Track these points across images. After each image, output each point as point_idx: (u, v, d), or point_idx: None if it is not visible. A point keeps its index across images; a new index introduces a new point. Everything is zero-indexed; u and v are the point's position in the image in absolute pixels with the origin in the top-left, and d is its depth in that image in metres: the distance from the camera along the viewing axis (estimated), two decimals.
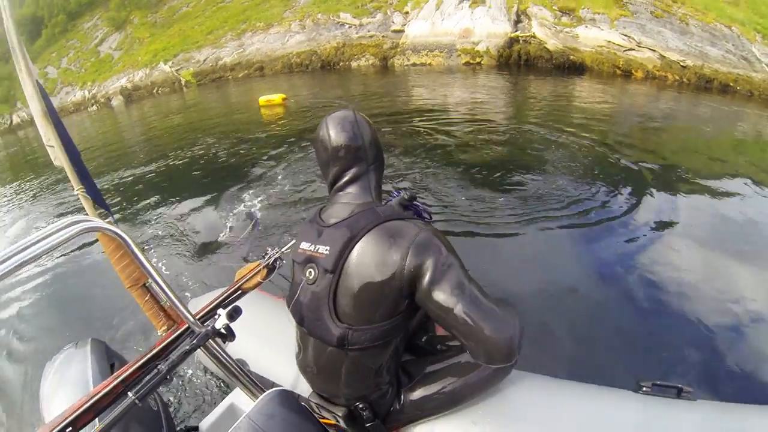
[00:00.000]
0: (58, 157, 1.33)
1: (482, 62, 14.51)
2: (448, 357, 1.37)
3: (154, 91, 25.93)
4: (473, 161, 5.34)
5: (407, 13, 17.88)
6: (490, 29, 15.22)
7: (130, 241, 1.18)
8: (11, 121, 36.82)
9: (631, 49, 14.64)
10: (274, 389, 1.26)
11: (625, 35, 14.85)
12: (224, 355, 1.40)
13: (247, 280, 1.60)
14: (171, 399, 2.26)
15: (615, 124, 7.05)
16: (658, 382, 1.52)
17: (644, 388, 1.52)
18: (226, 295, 1.52)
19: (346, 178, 1.30)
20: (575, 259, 3.40)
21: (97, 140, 14.63)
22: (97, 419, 1.00)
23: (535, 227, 3.73)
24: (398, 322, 1.20)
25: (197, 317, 1.31)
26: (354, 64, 17.32)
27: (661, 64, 14.11)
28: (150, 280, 1.30)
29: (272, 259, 1.64)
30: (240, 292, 1.57)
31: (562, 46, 14.74)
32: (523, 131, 6.63)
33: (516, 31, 15.29)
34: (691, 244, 3.51)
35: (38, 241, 0.91)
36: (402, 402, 1.35)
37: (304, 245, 1.26)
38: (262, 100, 11.58)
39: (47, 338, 3.23)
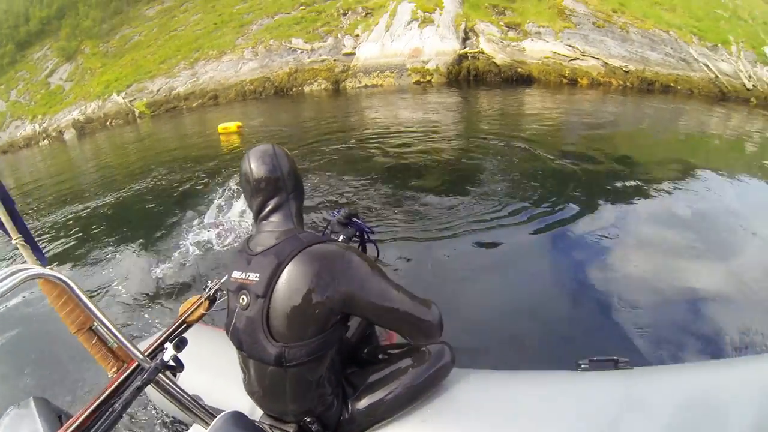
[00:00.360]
0: None
1: (432, 80, 14.70)
2: (391, 364, 1.49)
3: (108, 123, 25.34)
4: (422, 176, 5.49)
5: (358, 36, 18.05)
6: (439, 47, 15.46)
7: (73, 285, 1.19)
8: None
9: (576, 59, 15.08)
10: (226, 412, 1.31)
11: (570, 46, 15.30)
12: (177, 389, 1.41)
13: (191, 313, 1.64)
14: None
15: (563, 130, 7.26)
16: (595, 358, 1.60)
17: (582, 366, 1.60)
18: (171, 329, 1.56)
19: (268, 208, 1.36)
20: (509, 259, 3.56)
21: (49, 176, 14.19)
22: None
23: (478, 233, 3.88)
24: (330, 336, 1.27)
25: (146, 354, 1.34)
26: (307, 88, 17.33)
27: (605, 70, 14.60)
28: (96, 323, 1.30)
29: (212, 290, 1.70)
30: (185, 325, 1.61)
31: (510, 60, 15.09)
32: (472, 144, 6.78)
33: (464, 48, 15.60)
34: (623, 236, 3.75)
35: None
36: (350, 412, 1.42)
37: (236, 274, 1.31)
38: (221, 127, 11.68)
39: None
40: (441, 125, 8.26)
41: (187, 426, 2.02)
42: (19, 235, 1.40)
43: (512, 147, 6.31)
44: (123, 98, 25.52)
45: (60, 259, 5.57)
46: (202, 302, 1.70)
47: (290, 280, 1.20)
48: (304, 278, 1.20)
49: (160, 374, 1.33)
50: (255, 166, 1.35)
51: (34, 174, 16.65)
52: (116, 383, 1.25)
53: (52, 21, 37.53)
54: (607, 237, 3.71)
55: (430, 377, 1.45)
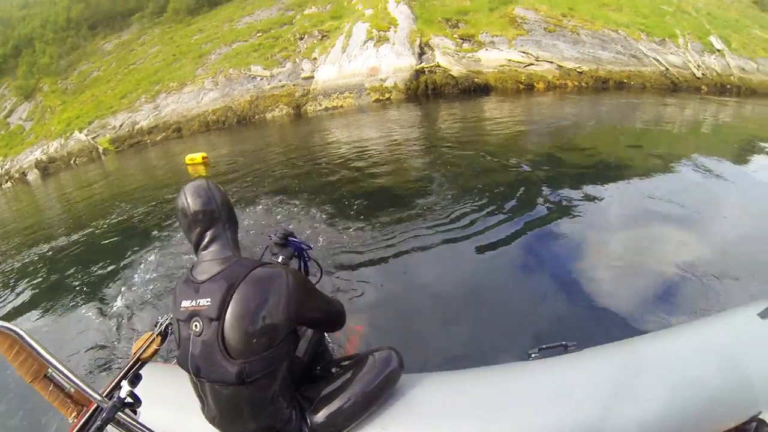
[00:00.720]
0: None
1: (391, 97, 14.86)
2: (342, 375, 1.59)
3: (72, 161, 24.93)
4: (377, 192, 5.60)
5: (315, 59, 18.18)
6: (395, 64, 15.64)
7: (24, 335, 1.23)
8: None
9: (530, 64, 15.42)
10: None
11: (524, 52, 15.65)
12: (138, 426, 1.43)
13: (144, 350, 1.64)
14: None
15: (523, 135, 7.36)
16: (544, 346, 1.67)
17: (533, 355, 1.68)
18: (127, 368, 1.55)
19: (207, 239, 1.43)
20: (455, 264, 3.65)
21: (13, 220, 14.00)
22: None
23: (427, 242, 3.95)
24: (283, 348, 1.35)
25: (103, 395, 1.35)
26: (269, 115, 17.34)
27: (559, 73, 14.95)
28: (51, 369, 1.32)
29: (163, 326, 1.71)
30: (139, 363, 1.60)
31: (466, 71, 15.37)
32: (430, 157, 6.86)
33: (421, 62, 15.85)
34: (574, 229, 3.87)
35: None
36: (310, 425, 1.48)
37: (185, 303, 1.34)
38: (188, 158, 11.88)
39: None
40: (400, 141, 8.39)
41: None
42: None
43: (470, 156, 6.38)
44: (85, 135, 25.15)
45: (17, 307, 5.54)
46: (154, 338, 1.71)
47: (241, 301, 1.27)
48: (254, 298, 1.28)
49: (120, 413, 1.35)
50: (191, 200, 1.42)
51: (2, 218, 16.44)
52: (77, 427, 1.26)
53: (8, 59, 36.84)
54: (557, 232, 3.84)
55: (381, 382, 1.54)
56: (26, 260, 7.52)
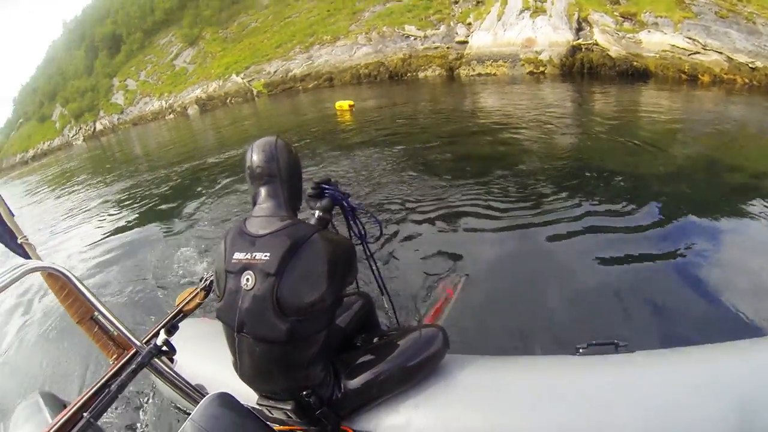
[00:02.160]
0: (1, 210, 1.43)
1: (546, 71, 14.88)
2: (384, 346, 1.62)
3: (228, 101, 27.64)
4: (532, 167, 5.48)
5: (470, 24, 18.51)
6: (551, 38, 15.56)
7: (73, 278, 1.29)
8: (94, 128, 40.59)
9: (696, 53, 14.44)
10: (215, 392, 1.34)
11: (690, 38, 14.68)
12: (172, 373, 1.54)
13: (187, 303, 1.74)
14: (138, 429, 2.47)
15: (681, 133, 6.68)
16: (594, 342, 1.59)
17: (581, 350, 1.59)
18: (168, 318, 1.65)
19: (263, 195, 1.47)
20: (526, 250, 3.60)
21: (167, 144, 17.26)
22: None
23: (522, 222, 3.96)
24: (332, 310, 1.41)
25: (143, 341, 1.46)
26: (421, 74, 18.11)
27: (728, 66, 13.71)
28: (97, 313, 1.39)
29: (208, 281, 1.83)
30: (182, 314, 1.70)
31: (625, 53, 14.66)
32: (585, 141, 6.60)
33: (578, 38, 15.48)
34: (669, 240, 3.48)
35: None
36: (343, 390, 1.49)
37: (238, 255, 1.35)
38: (337, 105, 13.24)
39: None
40: (549, 119, 8.15)
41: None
42: (24, 235, 1.47)
43: (628, 148, 5.90)
44: (242, 79, 27.61)
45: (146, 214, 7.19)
46: (198, 292, 1.81)
47: (305, 260, 1.31)
48: (317, 260, 1.32)
49: (156, 360, 1.46)
50: (256, 154, 1.48)
51: (159, 141, 19.84)
52: (115, 368, 1.33)
53: (174, 11, 41.50)
54: (652, 238, 3.49)
55: (423, 359, 1.54)
56: (160, 176, 9.94)
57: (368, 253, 2.09)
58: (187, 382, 1.60)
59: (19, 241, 1.46)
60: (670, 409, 1.35)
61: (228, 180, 7.88)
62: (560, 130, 7.30)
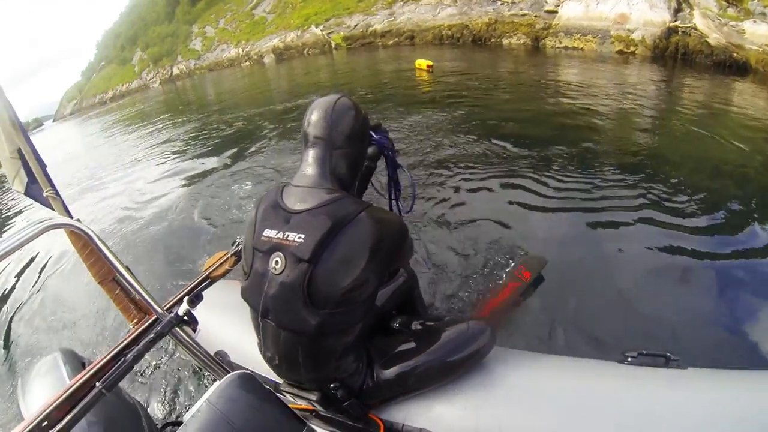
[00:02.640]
0: (29, 161, 1.36)
1: (636, 52, 14.26)
2: (426, 336, 1.48)
3: (305, 51, 28.00)
4: (603, 150, 5.33)
5: None
6: (647, 17, 14.84)
7: (95, 238, 1.22)
8: (171, 72, 42.60)
9: None
10: (235, 372, 1.25)
11: None
12: (193, 344, 1.46)
13: (216, 269, 1.68)
14: (156, 396, 2.44)
15: None
16: (644, 352, 1.50)
17: (629, 359, 1.51)
18: (194, 284, 1.58)
19: (309, 160, 1.31)
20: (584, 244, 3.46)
21: (238, 90, 18.25)
22: (72, 412, 1.04)
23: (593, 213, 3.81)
24: (369, 302, 1.27)
25: (165, 308, 1.39)
26: (505, 41, 17.75)
27: None
28: (118, 275, 1.34)
29: (241, 245, 1.62)
30: (209, 281, 1.64)
31: (725, 42, 13.75)
32: (666, 131, 6.27)
33: (675, 20, 14.68)
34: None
35: (7, 239, 0.96)
36: (375, 379, 1.38)
37: (269, 232, 1.23)
38: (417, 63, 13.51)
39: (19, 353, 3.33)
40: (632, 106, 7.78)
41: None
42: (50, 188, 1.39)
43: (704, 144, 5.64)
44: (321, 30, 27.86)
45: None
46: (227, 258, 1.72)
47: (346, 246, 1.17)
48: (360, 246, 1.17)
49: (178, 330, 1.38)
50: (311, 114, 1.33)
51: (233, 86, 20.92)
52: (135, 334, 1.29)
53: None
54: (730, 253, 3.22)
55: (467, 355, 1.42)
56: (226, 119, 10.91)
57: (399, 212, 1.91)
58: (209, 355, 1.51)
59: (45, 194, 1.38)
60: (721, 428, 1.29)
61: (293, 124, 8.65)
62: (642, 117, 7.16)
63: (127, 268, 1.31)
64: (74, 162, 12.46)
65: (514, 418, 1.39)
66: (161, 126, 14.46)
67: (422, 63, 13.22)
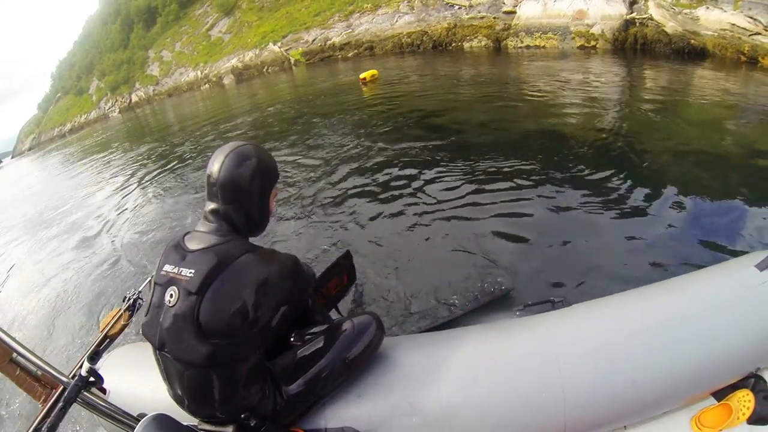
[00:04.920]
0: None
1: (597, 46, 14.51)
2: (319, 342, 1.55)
3: (264, 70, 28.03)
4: (579, 146, 5.30)
5: None
6: (604, 11, 15.12)
7: None
8: (130, 100, 42.10)
9: (757, 33, 13.84)
10: (150, 415, 1.27)
11: (751, 17, 13.98)
12: (106, 405, 1.43)
13: (111, 327, 1.67)
14: None
15: (729, 118, 6.18)
16: (530, 302, 1.66)
17: (518, 312, 1.66)
18: (93, 346, 1.56)
19: (208, 208, 1.38)
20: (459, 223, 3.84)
21: (195, 114, 17.95)
22: None
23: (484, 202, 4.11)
24: (263, 332, 1.33)
25: (70, 375, 1.35)
26: (467, 44, 17.96)
27: None
28: (15, 354, 1.29)
29: (131, 300, 1.78)
30: (107, 340, 1.62)
31: (682, 30, 14.20)
32: (626, 120, 6.34)
33: (632, 12, 15.05)
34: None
35: None
36: (285, 397, 1.43)
37: (168, 267, 1.30)
38: (360, 75, 13.58)
39: None
40: (597, 97, 7.84)
41: None
42: None
43: (662, 128, 5.74)
44: (279, 47, 27.62)
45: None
46: (122, 314, 1.73)
47: (228, 282, 1.23)
48: (242, 282, 1.24)
49: (89, 394, 1.35)
50: (212, 163, 1.37)
51: (191, 110, 20.70)
52: (44, 411, 1.23)
53: None
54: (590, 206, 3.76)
55: (360, 348, 1.51)
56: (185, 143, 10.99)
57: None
58: (124, 412, 1.48)
59: None
60: (616, 356, 1.42)
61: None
62: (605, 108, 7.16)
63: (23, 345, 1.28)
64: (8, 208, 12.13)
65: (422, 398, 1.45)
66: (114, 159, 14.25)
67: (366, 74, 13.27)
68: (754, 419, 1.41)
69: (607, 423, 1.48)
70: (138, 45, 45.02)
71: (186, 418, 1.40)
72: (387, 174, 5.32)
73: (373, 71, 13.33)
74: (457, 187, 4.52)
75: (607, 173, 4.28)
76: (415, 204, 4.36)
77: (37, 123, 61.26)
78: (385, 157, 5.99)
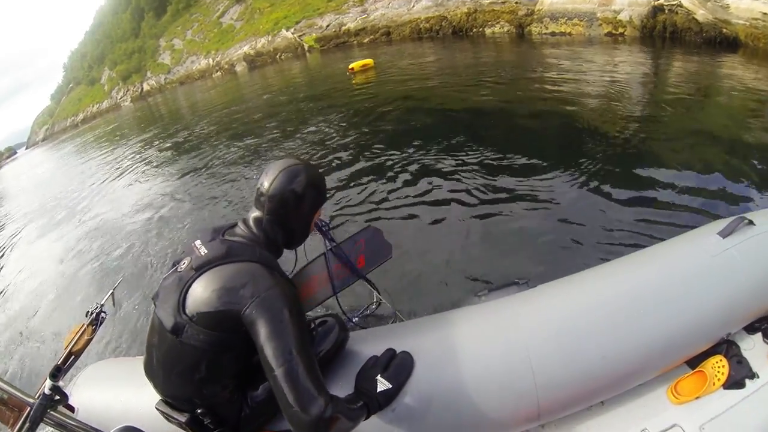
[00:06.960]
0: None
1: (625, 33, 14.02)
2: None
3: (277, 56, 27.82)
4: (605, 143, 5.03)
5: None
6: None
7: None
8: (142, 89, 42.25)
9: None
10: (120, 426, 1.29)
11: None
12: (74, 423, 1.42)
13: (75, 343, 1.65)
14: None
15: (755, 115, 5.65)
16: (493, 286, 1.65)
17: (483, 297, 1.65)
18: (58, 364, 1.54)
19: (252, 215, 1.47)
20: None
21: (209, 101, 17.53)
22: None
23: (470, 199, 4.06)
24: (233, 341, 1.29)
25: (36, 396, 1.33)
26: (488, 30, 17.50)
27: None
28: None
29: (94, 314, 1.76)
30: (72, 356, 1.61)
31: (713, 18, 13.66)
32: (649, 115, 5.98)
33: None
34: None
35: None
36: (251, 403, 1.43)
37: (197, 242, 1.40)
38: (350, 65, 13.44)
39: None
40: (620, 90, 7.40)
41: None
42: None
43: (683, 125, 5.44)
44: (292, 34, 27.26)
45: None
46: (85, 329, 1.71)
47: (220, 275, 1.28)
48: (229, 281, 1.26)
49: (56, 413, 1.34)
50: (264, 177, 1.45)
51: (203, 98, 20.42)
52: None
53: None
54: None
55: (328, 350, 1.52)
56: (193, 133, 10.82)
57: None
58: (94, 429, 1.45)
59: None
60: (586, 332, 1.42)
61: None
62: (628, 101, 6.77)
63: None
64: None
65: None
66: (126, 149, 14.27)
67: (356, 64, 12.97)
68: (730, 384, 1.46)
69: (582, 401, 1.50)
70: (149, 34, 45.16)
71: (153, 427, 1.44)
72: (366, 159, 5.48)
73: (367, 60, 13.02)
74: (412, 177, 4.68)
75: (589, 159, 4.34)
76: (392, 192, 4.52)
77: (51, 114, 62.22)
78: (357, 147, 6.15)
